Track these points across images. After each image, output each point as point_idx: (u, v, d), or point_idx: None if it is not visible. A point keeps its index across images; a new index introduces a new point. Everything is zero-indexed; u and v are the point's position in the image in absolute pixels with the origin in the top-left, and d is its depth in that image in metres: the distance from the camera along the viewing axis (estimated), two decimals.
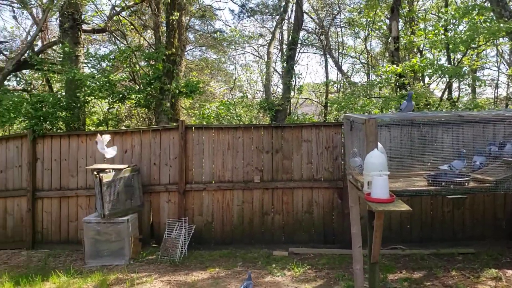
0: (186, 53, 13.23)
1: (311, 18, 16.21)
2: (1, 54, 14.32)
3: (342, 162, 8.09)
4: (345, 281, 6.13)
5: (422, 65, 9.24)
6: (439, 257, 7.18)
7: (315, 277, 6.41)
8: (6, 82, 12.64)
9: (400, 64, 9.83)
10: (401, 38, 11.13)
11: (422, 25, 13.59)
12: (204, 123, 10.58)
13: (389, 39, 13.97)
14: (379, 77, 10.90)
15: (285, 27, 15.06)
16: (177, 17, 10.67)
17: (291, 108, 13.17)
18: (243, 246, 8.07)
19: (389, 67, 9.61)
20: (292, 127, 8.41)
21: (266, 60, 13.12)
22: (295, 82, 12.04)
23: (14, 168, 9.00)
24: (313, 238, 8.11)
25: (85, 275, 6.84)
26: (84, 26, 11.96)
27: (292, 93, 11.99)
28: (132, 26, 13.26)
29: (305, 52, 26.39)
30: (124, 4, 12.87)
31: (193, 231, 8.04)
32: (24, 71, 13.70)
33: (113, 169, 7.76)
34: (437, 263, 6.87)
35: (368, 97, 10.68)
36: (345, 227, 7.91)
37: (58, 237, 8.67)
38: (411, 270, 6.62)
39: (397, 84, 10.24)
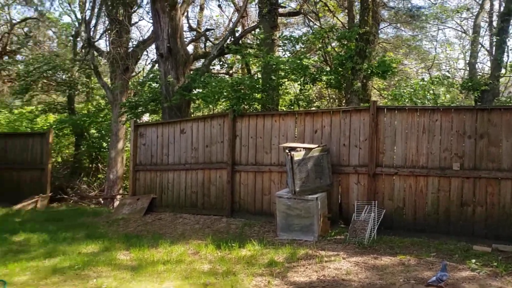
0: (379, 31, 12.74)
1: None
2: (208, 41, 15.96)
3: None
4: None
5: None
6: None
7: None
8: (211, 66, 14.07)
9: None
10: None
11: None
12: (396, 104, 10.08)
13: None
14: None
15: None
16: None
17: (501, 89, 11.59)
18: (437, 236, 7.47)
19: None
20: (502, 110, 7.36)
21: (471, 35, 11.75)
22: (508, 58, 10.51)
23: (217, 144, 9.97)
24: None
25: (276, 246, 7.21)
26: (280, 10, 12.47)
27: (503, 71, 10.52)
28: (326, 7, 13.32)
29: None
30: None
31: (382, 216, 7.77)
32: (226, 55, 15.02)
33: (304, 148, 7.96)
34: None
35: None
36: None
37: (253, 208, 9.35)
38: None
39: None
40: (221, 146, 9.88)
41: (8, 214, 11.84)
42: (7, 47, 24.21)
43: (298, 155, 7.79)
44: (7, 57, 24.45)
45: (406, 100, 10.12)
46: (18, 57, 25.25)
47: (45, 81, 20.11)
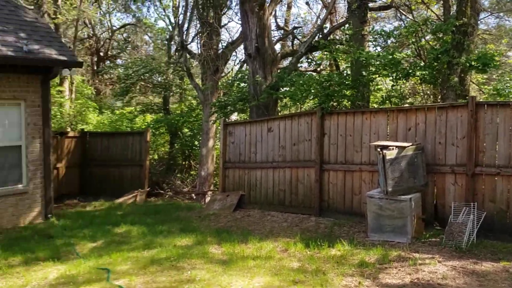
0: (479, 21, 11.89)
1: None
2: (295, 39, 15.98)
3: None
4: None
5: None
6: None
7: None
8: (298, 64, 14.07)
9: None
10: None
11: None
12: (499, 100, 9.35)
13: None
14: None
15: None
16: None
17: None
18: None
19: None
20: None
21: None
22: None
23: (304, 142, 9.95)
24: None
25: (367, 247, 7.04)
26: (370, 4, 12.12)
27: None
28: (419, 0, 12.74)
29: None
30: None
31: (482, 218, 7.25)
32: (314, 53, 14.93)
33: (396, 146, 7.68)
34: None
35: None
36: None
37: (342, 208, 9.20)
38: None
39: None
40: (309, 145, 9.83)
41: (111, 208, 12.82)
42: (109, 52, 26.29)
43: (390, 154, 7.53)
44: (108, 62, 26.53)
45: (511, 95, 9.36)
46: (118, 61, 27.30)
47: (142, 83, 21.48)
